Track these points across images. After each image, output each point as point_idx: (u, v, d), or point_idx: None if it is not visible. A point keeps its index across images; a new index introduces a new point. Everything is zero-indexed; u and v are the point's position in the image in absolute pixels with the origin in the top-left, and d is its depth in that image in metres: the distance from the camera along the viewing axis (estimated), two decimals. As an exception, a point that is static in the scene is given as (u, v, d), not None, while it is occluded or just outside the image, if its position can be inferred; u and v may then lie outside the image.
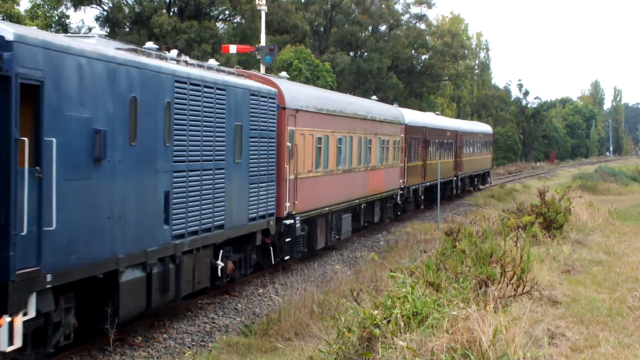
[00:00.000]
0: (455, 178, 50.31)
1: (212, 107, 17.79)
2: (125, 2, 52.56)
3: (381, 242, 31.43)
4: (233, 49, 37.87)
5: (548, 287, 16.06)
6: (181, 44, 46.22)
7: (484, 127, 66.62)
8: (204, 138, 17.40)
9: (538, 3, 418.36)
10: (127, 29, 51.51)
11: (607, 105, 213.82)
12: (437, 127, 46.38)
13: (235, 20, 55.81)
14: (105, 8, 52.45)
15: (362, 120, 30.94)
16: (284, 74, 26.78)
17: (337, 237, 28.02)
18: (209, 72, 18.50)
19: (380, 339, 10.24)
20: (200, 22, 49.86)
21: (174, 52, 17.94)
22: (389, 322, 10.61)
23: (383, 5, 75.75)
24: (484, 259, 14.22)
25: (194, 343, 16.16)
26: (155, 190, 15.40)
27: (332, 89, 49.11)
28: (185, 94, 16.47)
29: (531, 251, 15.08)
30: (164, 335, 16.34)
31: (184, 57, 17.78)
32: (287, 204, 22.35)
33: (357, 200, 30.09)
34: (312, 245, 25.58)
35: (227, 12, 55.29)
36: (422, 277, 13.25)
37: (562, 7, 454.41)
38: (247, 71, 22.25)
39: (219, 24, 56.16)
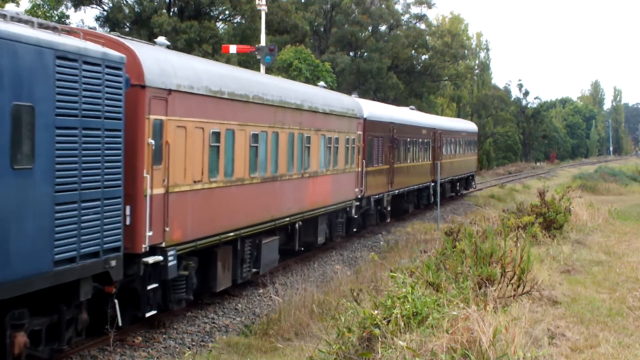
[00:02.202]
0: (432, 183, 43.56)
1: None
2: (125, 2, 52.54)
3: (381, 242, 31.44)
4: (233, 49, 37.84)
5: (548, 287, 16.07)
6: (181, 44, 46.20)
7: (468, 125, 59.77)
8: None
9: (538, 3, 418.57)
10: (127, 29, 51.50)
11: (607, 105, 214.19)
12: (409, 123, 39.47)
13: (235, 20, 55.76)
14: (105, 8, 52.45)
15: (296, 110, 23.34)
16: (165, 41, 18.34)
17: (254, 270, 20.82)
18: None
19: (380, 339, 10.25)
20: (200, 22, 49.83)
21: None
22: (389, 322, 10.63)
23: (383, 5, 75.71)
24: (484, 259, 14.23)
25: (194, 343, 16.17)
26: None
27: (332, 89, 48.97)
28: None
29: (531, 251, 15.10)
30: (164, 335, 16.36)
31: None
32: (149, 233, 15.00)
33: (288, 219, 22.83)
34: (210, 286, 18.45)
35: (227, 12, 55.24)
36: (422, 277, 13.27)
37: (562, 7, 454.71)
38: (82, 29, 14.82)
39: (219, 24, 56.13)
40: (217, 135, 18.04)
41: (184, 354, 13.83)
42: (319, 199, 25.68)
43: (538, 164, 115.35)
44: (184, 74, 16.81)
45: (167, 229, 15.76)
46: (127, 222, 14.58)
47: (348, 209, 29.47)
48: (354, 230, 31.37)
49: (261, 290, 21.17)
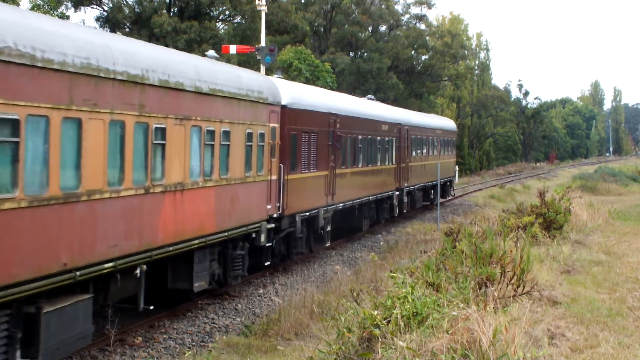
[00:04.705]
0: (397, 192, 36.46)
1: None
2: (125, 3, 52.56)
3: (381, 243, 31.44)
4: (233, 49, 37.81)
5: (548, 287, 16.07)
6: (181, 44, 46.24)
7: (445, 122, 51.41)
8: None
9: (538, 3, 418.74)
10: (127, 29, 51.52)
11: (607, 105, 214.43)
12: (361, 115, 30.97)
13: (236, 21, 55.79)
14: (106, 8, 52.48)
15: (130, 84, 14.26)
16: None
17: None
18: None
19: (380, 339, 10.26)
20: (201, 22, 49.86)
21: None
22: (389, 322, 10.63)
23: (383, 6, 75.71)
24: (483, 259, 14.23)
25: (194, 343, 16.18)
26: None
27: (332, 89, 48.95)
28: None
29: (531, 251, 15.10)
30: (164, 335, 16.37)
31: None
32: None
33: (112, 264, 13.77)
34: None
35: (227, 13, 55.29)
36: (422, 277, 13.27)
37: (562, 7, 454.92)
38: None
39: (219, 24, 56.16)
40: None
41: (184, 354, 13.85)
42: (190, 226, 16.89)
43: (538, 164, 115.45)
44: None
45: None
46: None
47: (254, 235, 20.71)
48: (267, 264, 22.45)
49: (261, 291, 21.18)
